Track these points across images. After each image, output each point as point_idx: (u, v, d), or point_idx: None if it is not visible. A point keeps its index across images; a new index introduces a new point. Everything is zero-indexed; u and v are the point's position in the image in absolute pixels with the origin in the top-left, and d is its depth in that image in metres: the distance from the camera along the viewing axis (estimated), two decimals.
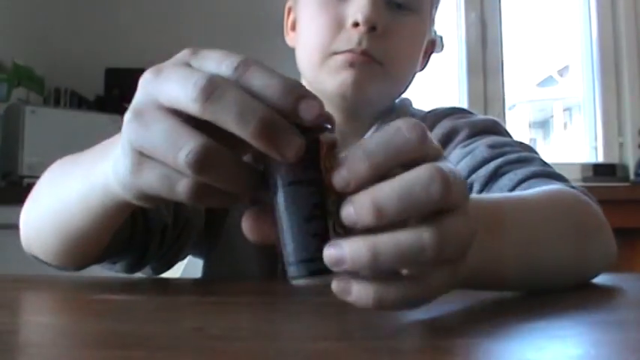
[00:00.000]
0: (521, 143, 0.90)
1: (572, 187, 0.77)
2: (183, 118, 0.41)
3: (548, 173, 0.80)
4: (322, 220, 0.39)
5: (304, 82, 0.94)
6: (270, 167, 0.40)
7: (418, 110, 1.02)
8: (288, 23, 1.02)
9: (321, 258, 0.38)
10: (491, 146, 0.86)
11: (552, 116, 3.68)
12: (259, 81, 0.39)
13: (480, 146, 0.86)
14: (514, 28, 3.04)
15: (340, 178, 0.38)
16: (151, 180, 0.43)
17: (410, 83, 0.98)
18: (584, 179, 2.70)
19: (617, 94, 2.92)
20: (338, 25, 0.89)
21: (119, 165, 0.46)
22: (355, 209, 0.38)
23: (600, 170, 2.72)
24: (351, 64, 0.88)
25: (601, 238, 0.72)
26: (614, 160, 2.86)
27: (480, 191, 0.81)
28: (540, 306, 0.57)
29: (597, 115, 2.94)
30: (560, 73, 3.60)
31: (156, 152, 0.41)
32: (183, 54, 0.44)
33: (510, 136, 0.94)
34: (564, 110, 3.59)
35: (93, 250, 0.69)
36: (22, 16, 2.66)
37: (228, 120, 0.38)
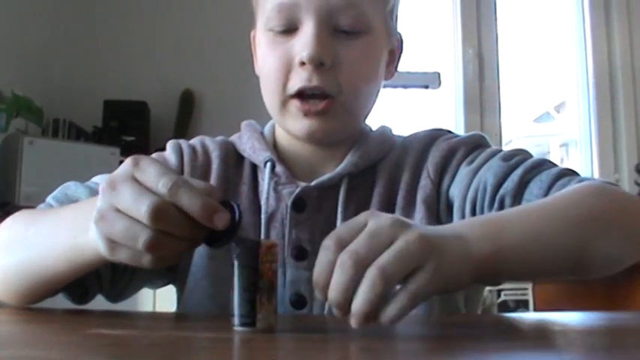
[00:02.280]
0: (523, 150, 0.92)
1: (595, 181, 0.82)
2: None
3: (567, 172, 0.85)
4: (254, 292, 0.60)
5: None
6: (233, 254, 0.61)
7: (398, 136, 1.01)
8: (255, 52, 1.00)
9: (249, 316, 0.60)
10: (505, 159, 0.88)
11: (549, 152, 3.69)
12: (185, 201, 0.58)
13: (494, 162, 0.89)
14: (511, 64, 3.06)
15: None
16: (119, 232, 0.60)
17: (374, 101, 0.96)
18: None
19: (613, 130, 2.93)
20: (287, 65, 0.88)
21: (97, 221, 0.62)
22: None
23: None
24: (306, 114, 0.87)
25: (625, 222, 0.76)
26: None
27: (512, 204, 0.83)
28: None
29: (594, 152, 2.96)
30: (557, 109, 3.63)
31: (121, 239, 0.60)
32: (128, 165, 0.61)
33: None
34: (561, 146, 3.60)
35: (58, 289, 0.81)
36: (22, 46, 2.68)
37: (171, 229, 0.59)
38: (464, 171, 0.90)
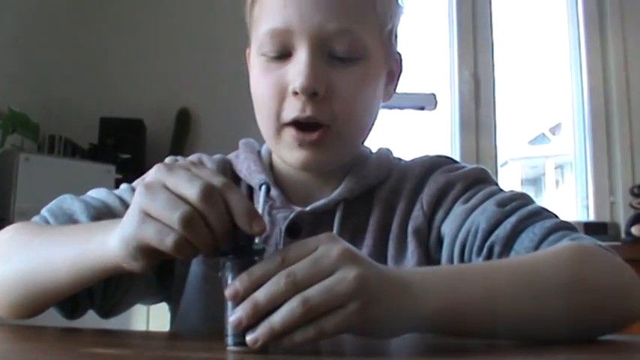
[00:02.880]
0: (522, 194, 0.89)
1: (591, 242, 0.79)
2: None
3: (562, 226, 0.82)
4: None
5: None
6: (223, 272, 0.61)
7: (397, 159, 1.00)
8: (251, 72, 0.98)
9: (242, 336, 0.58)
10: (500, 205, 0.86)
11: (544, 174, 3.70)
12: (235, 199, 0.59)
13: (489, 205, 0.86)
14: (507, 85, 3.08)
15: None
16: (149, 232, 0.59)
17: (372, 125, 0.94)
18: None
19: (608, 153, 2.94)
20: (280, 93, 0.86)
21: (126, 223, 0.62)
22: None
23: (591, 229, 2.73)
24: (301, 144, 0.86)
25: (606, 292, 0.72)
26: (606, 218, 2.87)
27: (501, 252, 0.81)
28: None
29: (589, 174, 2.96)
30: (552, 130, 3.64)
31: (157, 212, 0.59)
32: (185, 162, 0.67)
33: (497, 184, 0.94)
34: (556, 168, 3.62)
35: (54, 302, 0.79)
36: (19, 62, 2.68)
37: (211, 216, 0.59)
38: (458, 210, 0.88)
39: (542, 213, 0.85)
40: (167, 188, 0.60)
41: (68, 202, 0.88)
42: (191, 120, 2.77)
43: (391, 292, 0.60)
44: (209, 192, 0.58)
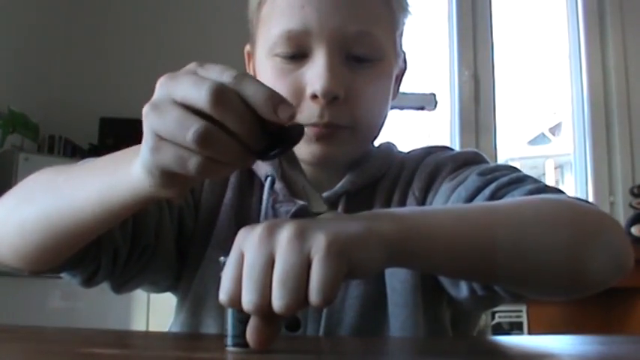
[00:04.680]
0: (509, 167, 0.86)
1: (571, 198, 0.75)
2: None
3: (544, 189, 0.77)
4: (247, 313, 0.54)
5: None
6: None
7: (398, 152, 0.98)
8: (250, 69, 0.96)
9: (242, 336, 0.56)
10: (482, 174, 0.83)
11: (544, 174, 3.70)
12: (251, 90, 0.53)
13: (471, 175, 0.84)
14: (507, 85, 3.08)
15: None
16: (168, 158, 0.54)
17: (384, 124, 0.92)
18: None
19: (608, 153, 2.94)
20: (297, 96, 0.83)
21: (143, 150, 0.57)
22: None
23: None
24: (317, 139, 0.84)
25: (585, 226, 0.69)
26: None
27: None
28: None
29: (588, 174, 2.96)
30: (552, 131, 3.64)
31: (169, 134, 0.53)
32: (191, 66, 0.56)
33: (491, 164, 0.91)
34: (556, 168, 3.61)
35: (74, 249, 0.74)
36: (20, 63, 2.68)
37: (229, 119, 0.52)
38: (444, 187, 0.86)
39: (526, 180, 0.81)
40: (175, 102, 0.54)
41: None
42: None
43: (348, 223, 0.57)
44: (220, 93, 0.52)
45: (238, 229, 0.89)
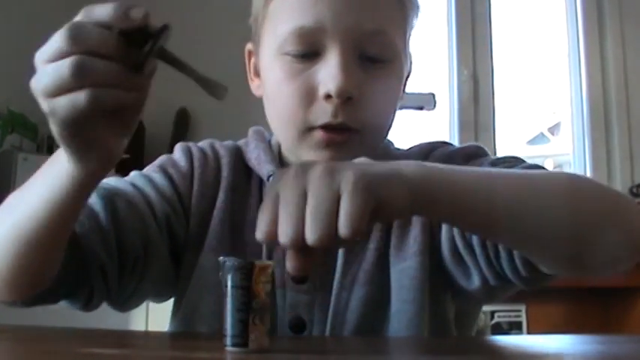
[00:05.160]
0: (517, 157, 0.88)
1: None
2: None
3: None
4: (246, 313, 0.59)
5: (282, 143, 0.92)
6: (223, 273, 0.61)
7: (396, 149, 0.99)
8: (250, 68, 0.95)
9: (241, 336, 0.59)
10: (494, 164, 0.85)
11: None
12: (99, 11, 0.57)
13: (484, 165, 0.86)
14: (506, 85, 3.08)
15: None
16: (62, 109, 0.56)
17: (390, 129, 0.92)
18: None
19: (607, 153, 2.94)
20: (308, 96, 0.82)
21: (50, 126, 0.59)
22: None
23: None
24: (328, 145, 0.83)
25: (603, 202, 0.72)
26: None
27: None
28: None
29: (587, 174, 2.96)
30: (551, 130, 3.64)
31: (51, 86, 0.56)
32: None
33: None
34: (555, 167, 3.61)
35: (49, 262, 0.73)
36: (18, 63, 2.68)
37: (92, 46, 0.56)
38: None
39: (536, 168, 0.83)
40: (47, 60, 0.57)
41: None
42: (190, 120, 2.77)
43: (375, 165, 0.62)
44: (73, 29, 0.56)
45: (233, 232, 0.89)
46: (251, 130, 0.99)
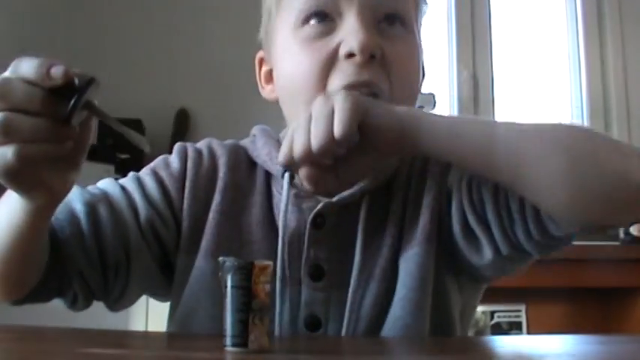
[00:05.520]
0: None
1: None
2: None
3: None
4: (246, 313, 0.60)
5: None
6: (223, 273, 0.61)
7: None
8: (261, 77, 0.95)
9: (241, 336, 0.59)
10: None
11: None
12: (24, 68, 0.60)
13: None
14: (505, 85, 3.07)
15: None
16: None
17: (416, 99, 0.90)
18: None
19: None
20: (330, 59, 0.81)
21: None
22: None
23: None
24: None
25: (605, 148, 0.74)
26: None
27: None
28: None
29: None
30: None
31: None
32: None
33: None
34: None
35: (24, 276, 0.78)
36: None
37: (19, 103, 0.58)
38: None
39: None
40: None
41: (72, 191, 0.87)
42: (190, 120, 2.77)
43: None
44: (0, 87, 0.59)
45: (233, 232, 0.88)
46: (256, 128, 0.97)
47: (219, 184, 0.91)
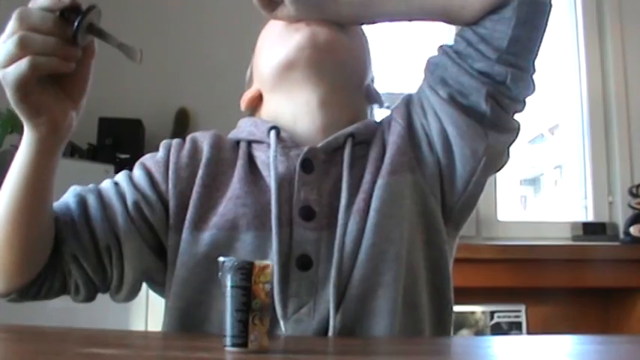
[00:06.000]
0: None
1: None
2: None
3: None
4: (246, 313, 0.60)
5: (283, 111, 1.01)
6: (223, 273, 0.62)
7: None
8: (247, 96, 1.09)
9: (241, 336, 0.60)
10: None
11: (543, 174, 3.70)
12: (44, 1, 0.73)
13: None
14: None
15: None
16: (11, 74, 0.71)
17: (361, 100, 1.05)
18: (574, 238, 2.70)
19: (607, 153, 2.94)
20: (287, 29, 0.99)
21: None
22: None
23: (590, 229, 2.72)
24: (308, 24, 0.97)
25: None
26: (604, 218, 2.86)
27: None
28: None
29: (587, 174, 2.96)
30: (551, 131, 3.64)
31: (3, 58, 0.71)
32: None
33: None
34: (555, 168, 3.61)
35: (34, 248, 0.85)
36: None
37: (34, 25, 0.72)
38: (425, 91, 0.99)
39: None
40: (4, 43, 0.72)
41: (68, 191, 0.96)
42: (189, 120, 2.77)
43: None
44: (19, 13, 0.72)
45: (217, 203, 0.95)
46: (240, 120, 1.07)
47: (203, 160, 0.98)
